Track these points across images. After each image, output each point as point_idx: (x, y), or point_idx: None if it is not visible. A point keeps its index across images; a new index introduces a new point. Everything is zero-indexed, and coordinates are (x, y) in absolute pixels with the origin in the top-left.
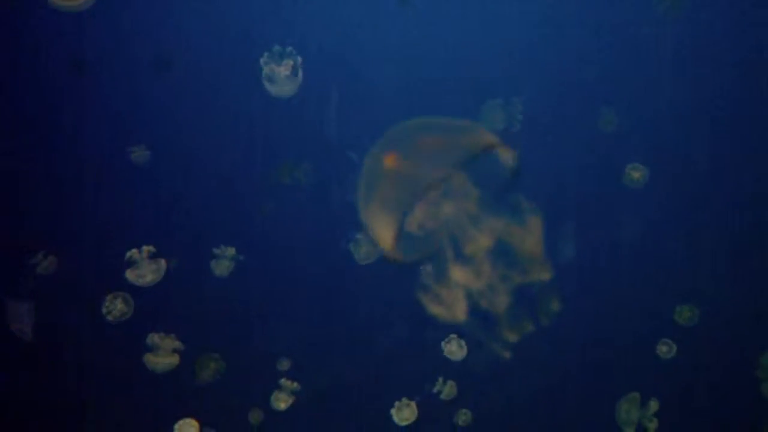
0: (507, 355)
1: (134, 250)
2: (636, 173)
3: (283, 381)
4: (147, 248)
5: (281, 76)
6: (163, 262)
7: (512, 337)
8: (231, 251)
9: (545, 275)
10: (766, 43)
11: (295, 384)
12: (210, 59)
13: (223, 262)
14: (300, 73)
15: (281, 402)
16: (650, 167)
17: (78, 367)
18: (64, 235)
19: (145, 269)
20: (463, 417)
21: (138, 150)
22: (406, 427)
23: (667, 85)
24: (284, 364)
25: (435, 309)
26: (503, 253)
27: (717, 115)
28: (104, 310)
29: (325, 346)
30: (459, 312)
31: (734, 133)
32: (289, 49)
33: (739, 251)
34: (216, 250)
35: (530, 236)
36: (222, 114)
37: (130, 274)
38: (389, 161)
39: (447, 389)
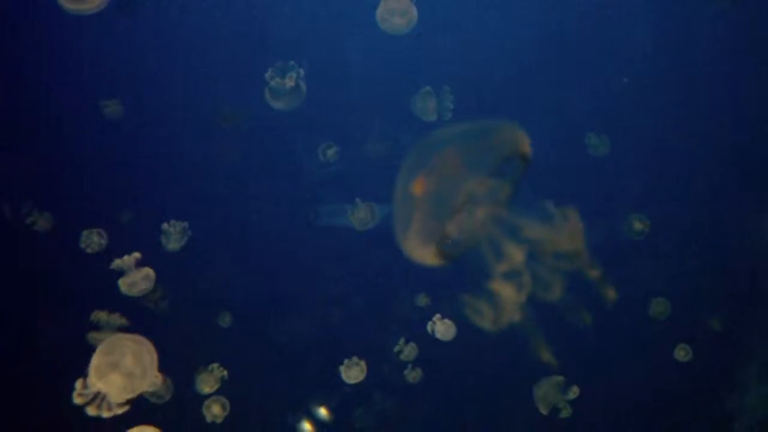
0: (554, 362)
1: (124, 257)
2: (639, 224)
3: (213, 366)
4: (134, 255)
5: (287, 88)
6: (150, 271)
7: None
8: (181, 225)
9: (593, 272)
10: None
11: (225, 372)
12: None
13: (173, 236)
14: (304, 87)
15: (206, 386)
16: None
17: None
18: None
19: (135, 276)
20: (413, 374)
21: (111, 104)
22: (355, 384)
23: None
24: (225, 320)
25: (479, 321)
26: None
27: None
28: (82, 245)
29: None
30: (503, 321)
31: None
32: (291, 62)
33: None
34: (165, 226)
35: (568, 236)
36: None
37: (122, 284)
38: (418, 188)
39: (408, 350)
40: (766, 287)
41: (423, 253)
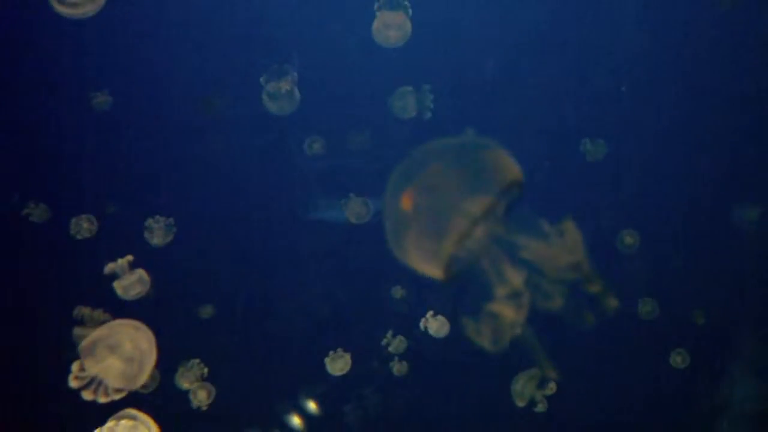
0: (555, 376)
1: (118, 261)
2: (629, 238)
3: (193, 362)
4: (127, 258)
5: (282, 92)
6: (143, 273)
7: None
8: (165, 221)
9: (595, 287)
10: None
11: (205, 369)
12: None
13: (157, 232)
14: (297, 93)
15: (185, 382)
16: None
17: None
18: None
19: (130, 280)
20: (398, 366)
21: (100, 96)
22: (341, 377)
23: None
24: (207, 311)
25: (479, 340)
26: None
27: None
28: (71, 232)
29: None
30: (502, 341)
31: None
32: (286, 66)
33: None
34: (150, 221)
35: (568, 249)
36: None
37: (118, 288)
38: (406, 202)
39: (396, 343)
40: (753, 281)
41: (426, 266)
